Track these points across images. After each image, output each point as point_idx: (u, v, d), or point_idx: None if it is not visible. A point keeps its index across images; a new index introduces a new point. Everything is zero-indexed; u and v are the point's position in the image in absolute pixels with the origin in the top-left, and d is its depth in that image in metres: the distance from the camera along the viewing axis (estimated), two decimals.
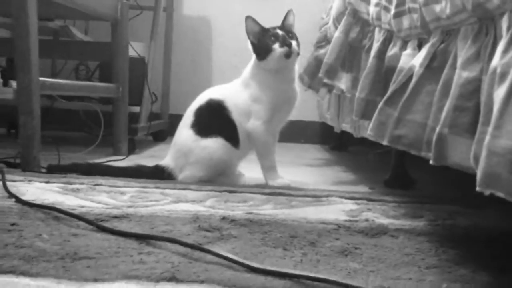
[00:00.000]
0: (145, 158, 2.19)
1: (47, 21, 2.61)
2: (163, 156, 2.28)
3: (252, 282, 0.81)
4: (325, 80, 1.84)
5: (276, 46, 1.68)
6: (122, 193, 1.43)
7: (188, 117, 1.73)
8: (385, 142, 1.15)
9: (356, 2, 1.72)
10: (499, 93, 0.78)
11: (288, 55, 1.67)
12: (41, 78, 1.73)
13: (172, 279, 0.81)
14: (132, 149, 2.36)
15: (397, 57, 1.32)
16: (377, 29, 1.54)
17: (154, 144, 2.82)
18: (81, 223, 1.10)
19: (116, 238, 1.01)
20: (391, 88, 1.17)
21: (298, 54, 1.70)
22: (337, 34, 1.78)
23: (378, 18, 1.49)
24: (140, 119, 2.56)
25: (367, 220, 1.25)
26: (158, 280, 0.81)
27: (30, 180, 1.51)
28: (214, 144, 1.66)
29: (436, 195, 1.70)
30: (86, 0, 1.98)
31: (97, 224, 1.06)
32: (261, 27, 1.77)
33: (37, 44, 1.69)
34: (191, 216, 1.20)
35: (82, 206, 1.25)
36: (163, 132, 3.01)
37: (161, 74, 3.11)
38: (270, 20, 3.34)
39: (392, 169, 1.86)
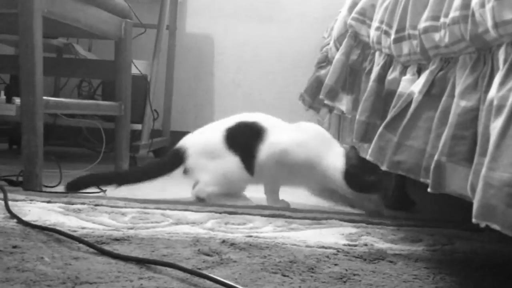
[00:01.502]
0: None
1: (51, 38, 2.64)
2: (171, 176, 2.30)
3: None
4: (326, 102, 1.86)
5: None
6: (123, 214, 1.44)
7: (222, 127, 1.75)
8: (384, 168, 1.16)
9: (357, 25, 1.74)
10: (496, 125, 0.79)
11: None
12: (44, 97, 1.75)
13: None
14: (133, 166, 2.37)
15: (397, 82, 1.33)
16: (377, 53, 1.56)
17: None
18: (82, 245, 1.11)
19: (116, 262, 1.02)
20: (391, 113, 1.19)
21: None
22: (338, 56, 1.80)
23: (379, 42, 1.51)
24: (142, 136, 2.58)
25: (366, 244, 1.25)
26: None
27: (32, 200, 1.52)
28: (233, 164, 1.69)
29: (436, 218, 1.71)
30: (91, 20, 2.00)
31: (98, 247, 1.07)
32: None
33: (41, 63, 1.71)
34: (191, 239, 1.20)
35: (83, 228, 1.26)
36: (165, 149, 3.03)
37: (163, 91, 3.13)
38: (273, 41, 3.38)
39: (393, 191, 1.87)
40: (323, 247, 1.21)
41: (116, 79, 2.29)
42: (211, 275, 0.92)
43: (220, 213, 1.52)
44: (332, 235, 1.34)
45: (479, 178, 0.81)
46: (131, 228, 1.29)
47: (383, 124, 1.19)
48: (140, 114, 2.61)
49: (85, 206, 1.50)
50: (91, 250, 1.08)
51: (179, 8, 3.21)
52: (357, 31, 1.75)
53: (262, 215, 1.52)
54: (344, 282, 0.99)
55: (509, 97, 0.80)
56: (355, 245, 1.24)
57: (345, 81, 1.80)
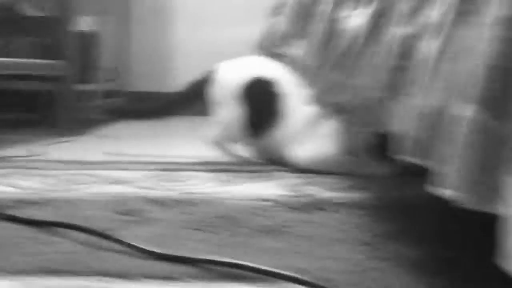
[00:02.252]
0: (98, 138, 2.07)
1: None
2: (117, 136, 2.18)
3: (150, 269, 0.72)
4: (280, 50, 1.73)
5: None
6: (53, 176, 1.33)
7: None
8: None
9: None
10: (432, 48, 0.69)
11: None
12: None
13: (64, 272, 0.72)
14: (80, 130, 2.22)
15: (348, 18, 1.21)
16: None
17: (107, 123, 2.68)
18: None
19: (20, 227, 0.91)
20: (337, 50, 1.07)
21: None
22: None
23: None
24: (94, 97, 2.44)
25: (308, 195, 1.15)
26: (48, 272, 0.71)
27: None
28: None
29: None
30: None
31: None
32: None
33: None
34: (114, 200, 1.09)
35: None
36: (121, 109, 2.89)
37: (117, 48, 2.97)
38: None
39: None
40: (261, 199, 1.11)
41: (59, 36, 2.14)
42: (113, 235, 0.82)
43: (162, 170, 1.41)
44: (276, 188, 1.24)
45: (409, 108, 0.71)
46: (54, 191, 1.17)
47: (329, 64, 1.08)
48: (90, 74, 2.47)
49: (11, 170, 1.38)
50: None
51: None
52: None
53: (207, 171, 1.41)
54: (267, 233, 0.89)
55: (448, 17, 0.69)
56: (296, 196, 1.14)
57: (297, 25, 1.68)
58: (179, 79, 3.18)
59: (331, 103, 1.03)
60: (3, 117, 2.77)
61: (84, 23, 2.41)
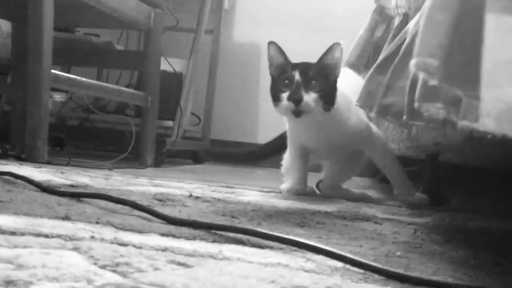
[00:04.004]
0: (171, 172, 2.10)
1: (93, 35, 2.64)
2: (193, 171, 2.21)
3: (162, 229, 0.69)
4: None
5: (284, 96, 1.26)
6: (107, 176, 1.34)
7: None
8: (373, 114, 1.00)
9: None
10: None
11: (297, 113, 1.24)
12: (54, 71, 1.70)
13: (75, 220, 0.70)
14: (159, 162, 2.28)
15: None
16: (397, 18, 1.41)
17: (189, 164, 2.74)
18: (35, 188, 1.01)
19: (56, 197, 0.91)
20: (383, 53, 1.03)
21: (318, 110, 1.21)
22: (361, 32, 1.66)
23: (397, 5, 1.36)
24: (172, 133, 2.49)
25: (358, 212, 1.08)
26: (61, 218, 0.70)
27: (21, 165, 1.46)
28: None
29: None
30: (113, 2, 1.97)
31: (36, 183, 0.97)
32: (285, 60, 1.38)
33: (51, 33, 1.67)
34: (154, 194, 1.08)
35: (49, 180, 1.17)
36: (202, 154, 2.93)
37: (205, 97, 3.06)
38: (321, 50, 3.26)
39: (424, 185, 1.67)
40: (306, 210, 1.05)
41: (143, 70, 2.23)
42: (134, 201, 0.80)
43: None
44: (326, 205, 1.17)
45: None
46: (104, 186, 1.18)
47: (373, 67, 1.04)
48: (173, 112, 2.54)
49: (71, 171, 1.41)
50: (35, 188, 0.98)
51: (225, 15, 3.15)
52: (382, 4, 1.61)
53: (262, 191, 1.37)
54: (302, 226, 0.83)
55: None
56: (345, 212, 1.07)
57: (368, 59, 1.65)
58: (261, 132, 3.25)
59: (376, 105, 0.97)
60: (85, 149, 2.91)
61: (173, 64, 2.50)
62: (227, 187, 1.37)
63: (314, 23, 3.22)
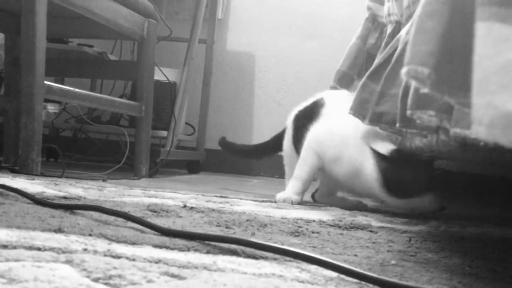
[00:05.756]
0: (165, 182, 2.09)
1: (86, 46, 2.64)
2: (188, 181, 2.20)
3: (155, 241, 0.68)
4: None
5: None
6: (101, 188, 1.34)
7: None
8: (366, 122, 1.00)
9: (375, 6, 1.60)
10: None
11: None
12: (47, 82, 1.70)
13: (67, 232, 0.70)
14: (154, 172, 2.28)
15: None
16: (389, 26, 1.41)
17: (183, 174, 2.73)
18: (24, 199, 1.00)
19: (49, 209, 0.91)
20: (376, 61, 1.03)
21: None
22: (353, 40, 1.66)
23: (389, 13, 1.37)
24: (167, 143, 2.49)
25: (353, 221, 1.08)
26: (53, 230, 0.69)
27: (14, 177, 1.45)
28: None
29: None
30: (107, 13, 1.97)
31: (31, 196, 0.97)
32: None
33: (44, 44, 1.67)
34: (148, 204, 1.08)
35: (43, 192, 1.16)
36: (197, 164, 2.93)
37: (199, 106, 3.06)
38: (317, 58, 3.27)
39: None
40: (301, 219, 1.05)
41: (137, 80, 2.23)
42: (127, 213, 0.79)
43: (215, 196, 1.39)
44: (321, 214, 1.17)
45: None
46: (98, 198, 1.18)
47: (366, 74, 1.04)
48: (167, 122, 2.53)
49: (65, 183, 1.41)
50: (28, 200, 0.97)
51: (219, 24, 3.16)
52: (375, 12, 1.61)
53: (256, 201, 1.37)
54: (296, 236, 0.83)
55: None
56: (339, 220, 1.07)
57: (361, 68, 1.65)
58: (256, 140, 3.25)
59: (368, 114, 0.97)
60: (79, 160, 2.90)
61: (167, 74, 2.50)
62: (222, 197, 1.37)
63: (309, 31, 3.23)
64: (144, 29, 2.20)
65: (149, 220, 0.81)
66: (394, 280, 0.53)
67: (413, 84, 0.48)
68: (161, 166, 2.35)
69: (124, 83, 2.98)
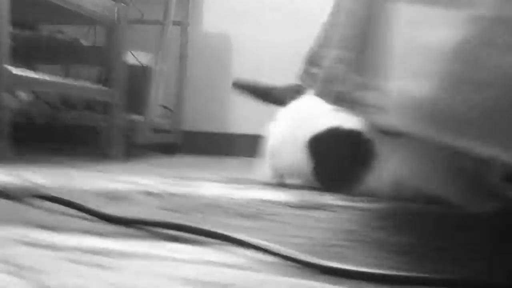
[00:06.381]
0: (139, 166, 2.08)
1: (58, 33, 2.60)
2: (162, 164, 2.19)
3: (101, 229, 0.68)
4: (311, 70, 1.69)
5: None
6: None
7: None
8: (331, 102, 0.99)
9: None
10: None
11: None
12: (13, 70, 1.67)
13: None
14: (127, 156, 2.26)
15: None
16: None
17: (160, 157, 2.71)
18: None
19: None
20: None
21: None
22: (325, 19, 1.64)
23: None
24: (141, 127, 2.46)
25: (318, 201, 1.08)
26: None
27: None
28: None
29: None
30: (81, 0, 1.93)
31: None
32: None
33: (7, 28, 1.64)
34: (109, 191, 1.07)
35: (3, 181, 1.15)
36: (174, 146, 2.92)
37: (174, 89, 3.04)
38: (294, 41, 3.24)
39: None
40: (265, 201, 1.05)
41: (108, 65, 2.21)
42: (71, 200, 0.78)
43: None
44: (288, 195, 1.17)
45: None
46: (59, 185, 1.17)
47: None
48: (142, 106, 2.51)
49: (28, 170, 1.40)
50: None
51: (193, 5, 3.12)
52: None
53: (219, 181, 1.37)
54: (248, 217, 0.82)
55: None
56: (303, 201, 1.07)
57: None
58: (235, 120, 3.24)
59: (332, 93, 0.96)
60: (54, 149, 2.87)
61: (140, 58, 2.48)
62: (190, 180, 1.36)
63: (286, 13, 3.20)
64: (114, 13, 2.17)
65: (102, 207, 0.81)
66: (323, 262, 0.52)
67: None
68: (138, 150, 2.34)
69: (101, 69, 2.95)
